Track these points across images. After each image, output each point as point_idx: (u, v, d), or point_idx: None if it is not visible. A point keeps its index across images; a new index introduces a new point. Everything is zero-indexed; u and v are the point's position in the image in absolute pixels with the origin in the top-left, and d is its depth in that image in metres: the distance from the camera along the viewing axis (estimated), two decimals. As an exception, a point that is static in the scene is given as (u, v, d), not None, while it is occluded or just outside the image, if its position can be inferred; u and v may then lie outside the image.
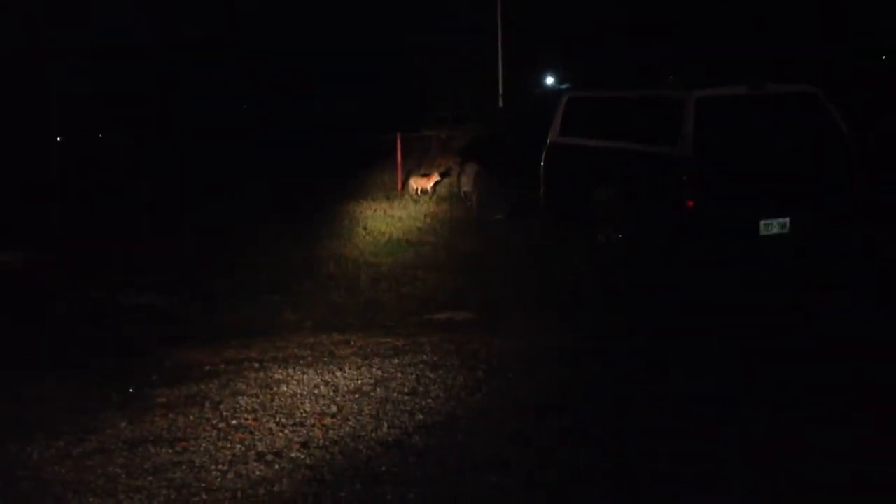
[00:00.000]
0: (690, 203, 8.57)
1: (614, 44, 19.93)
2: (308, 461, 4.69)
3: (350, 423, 5.21)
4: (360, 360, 6.44)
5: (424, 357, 6.47)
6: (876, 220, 9.26)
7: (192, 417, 5.35)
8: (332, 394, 5.71)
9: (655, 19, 19.86)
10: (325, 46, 22.04)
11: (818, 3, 18.38)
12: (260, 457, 4.76)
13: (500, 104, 18.01)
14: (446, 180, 14.53)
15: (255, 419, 5.31)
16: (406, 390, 5.73)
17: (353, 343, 7.00)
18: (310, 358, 6.58)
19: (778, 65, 16.74)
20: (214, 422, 5.27)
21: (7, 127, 17.23)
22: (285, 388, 5.84)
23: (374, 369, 6.19)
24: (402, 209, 13.59)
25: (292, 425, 5.19)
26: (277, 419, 5.29)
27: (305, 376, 6.08)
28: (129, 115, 20.98)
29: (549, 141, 10.76)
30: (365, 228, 12.43)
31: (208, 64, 21.56)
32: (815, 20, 18.37)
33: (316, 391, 5.77)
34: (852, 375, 5.78)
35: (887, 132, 11.98)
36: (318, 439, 4.97)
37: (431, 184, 14.25)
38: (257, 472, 4.58)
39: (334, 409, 5.44)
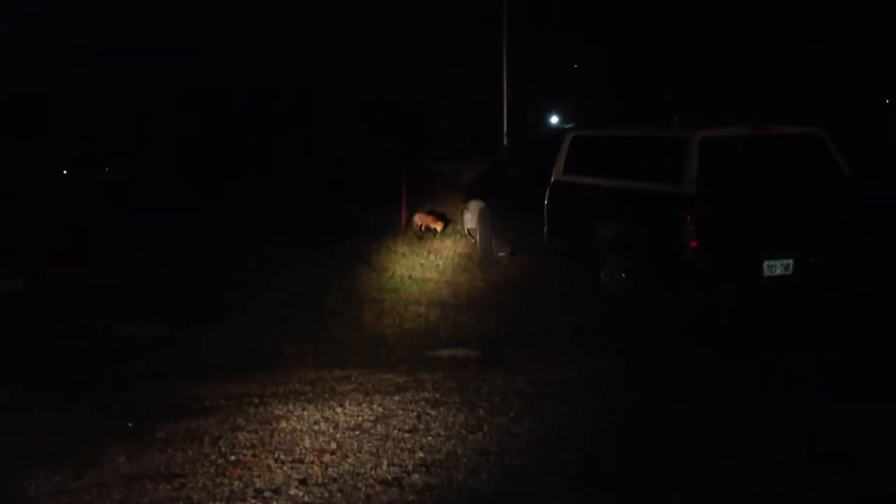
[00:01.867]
0: (693, 243, 8.58)
1: (616, 84, 20.11)
2: (306, 498, 4.65)
3: (349, 460, 5.17)
4: (360, 397, 6.41)
5: (426, 394, 6.44)
6: (874, 261, 9.25)
7: (190, 453, 5.32)
8: (331, 430, 5.68)
9: (656, 60, 20.05)
10: (330, 79, 22.24)
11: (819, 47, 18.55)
12: (258, 493, 4.72)
13: (505, 142, 18.08)
14: (449, 217, 14.58)
15: (253, 455, 5.27)
16: (407, 427, 5.70)
17: (354, 379, 6.98)
18: (310, 394, 6.56)
19: (782, 102, 16.85)
20: (213, 457, 5.24)
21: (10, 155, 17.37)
22: (285, 424, 5.81)
23: (374, 406, 6.16)
24: (406, 245, 13.60)
25: (291, 462, 5.15)
26: (276, 455, 5.26)
27: (305, 412, 6.05)
28: (126, 140, 21.12)
29: (552, 179, 10.80)
30: (368, 263, 12.44)
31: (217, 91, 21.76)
32: (816, 64, 18.53)
33: (316, 427, 5.74)
34: (854, 415, 5.76)
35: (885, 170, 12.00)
36: (317, 476, 4.93)
37: (441, 227, 14.27)
38: (255, 509, 4.54)
39: (334, 445, 5.41)
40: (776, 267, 8.74)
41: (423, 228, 14.46)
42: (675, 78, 19.62)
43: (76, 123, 20.62)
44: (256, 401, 6.36)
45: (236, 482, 4.87)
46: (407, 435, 5.57)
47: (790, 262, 8.76)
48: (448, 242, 13.66)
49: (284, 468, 5.06)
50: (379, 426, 5.74)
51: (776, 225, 8.79)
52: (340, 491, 4.73)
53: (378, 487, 4.77)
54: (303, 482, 4.85)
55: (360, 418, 5.90)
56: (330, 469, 5.03)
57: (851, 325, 8.09)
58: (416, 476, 4.92)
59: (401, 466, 5.05)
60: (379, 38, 21.94)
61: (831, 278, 8.95)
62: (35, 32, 19.84)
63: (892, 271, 9.20)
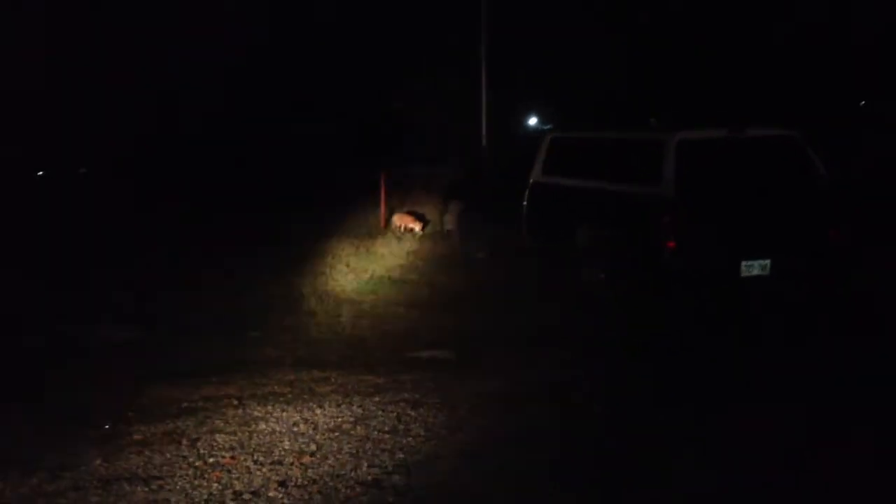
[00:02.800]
0: (671, 244, 8.62)
1: (598, 85, 20.14)
2: (286, 501, 4.63)
3: (329, 461, 5.15)
4: (340, 398, 6.39)
5: (405, 395, 6.42)
6: (858, 264, 9.33)
7: (168, 455, 5.27)
8: (311, 432, 5.65)
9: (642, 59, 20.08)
10: (309, 80, 22.24)
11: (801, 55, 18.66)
12: (237, 496, 4.69)
13: (483, 143, 18.10)
14: (428, 217, 14.58)
15: (232, 457, 5.24)
16: (386, 429, 5.69)
17: (333, 380, 6.95)
18: (289, 395, 6.52)
19: (756, 106, 16.93)
20: (191, 460, 5.20)
21: None
22: (264, 426, 5.77)
23: (354, 407, 6.14)
24: (385, 246, 13.58)
25: (270, 464, 5.12)
26: (255, 457, 5.23)
27: (285, 414, 6.02)
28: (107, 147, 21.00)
29: (531, 180, 10.82)
30: (347, 265, 12.40)
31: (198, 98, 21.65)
32: (797, 70, 18.65)
33: (295, 429, 5.71)
34: (845, 416, 5.80)
35: (863, 173, 12.14)
36: (297, 478, 4.91)
37: (420, 227, 14.27)
38: (234, 512, 4.51)
39: (313, 447, 5.38)
40: (753, 267, 8.80)
41: (402, 229, 14.44)
42: (671, 80, 19.67)
43: (53, 122, 20.43)
44: (235, 402, 6.32)
45: (215, 484, 4.84)
46: (387, 436, 5.55)
47: (767, 262, 8.83)
48: (427, 243, 13.65)
49: (263, 470, 5.03)
50: (359, 427, 5.72)
51: (753, 226, 8.85)
52: (320, 493, 4.72)
53: (358, 489, 4.76)
54: (282, 484, 4.83)
55: (339, 419, 5.88)
56: (309, 471, 5.01)
57: (837, 323, 8.15)
58: (397, 477, 4.90)
59: (381, 467, 5.04)
60: (362, 39, 21.92)
61: (810, 278, 9.02)
62: (9, 31, 19.68)
63: (873, 269, 9.29)
